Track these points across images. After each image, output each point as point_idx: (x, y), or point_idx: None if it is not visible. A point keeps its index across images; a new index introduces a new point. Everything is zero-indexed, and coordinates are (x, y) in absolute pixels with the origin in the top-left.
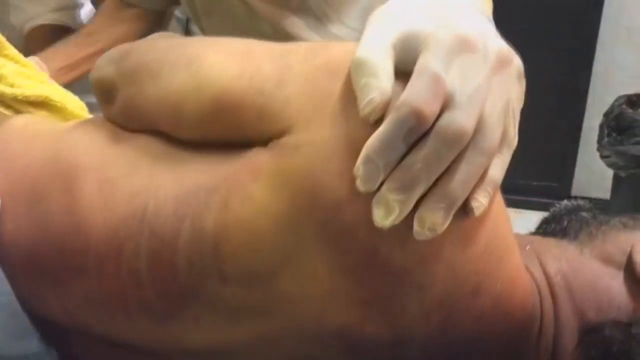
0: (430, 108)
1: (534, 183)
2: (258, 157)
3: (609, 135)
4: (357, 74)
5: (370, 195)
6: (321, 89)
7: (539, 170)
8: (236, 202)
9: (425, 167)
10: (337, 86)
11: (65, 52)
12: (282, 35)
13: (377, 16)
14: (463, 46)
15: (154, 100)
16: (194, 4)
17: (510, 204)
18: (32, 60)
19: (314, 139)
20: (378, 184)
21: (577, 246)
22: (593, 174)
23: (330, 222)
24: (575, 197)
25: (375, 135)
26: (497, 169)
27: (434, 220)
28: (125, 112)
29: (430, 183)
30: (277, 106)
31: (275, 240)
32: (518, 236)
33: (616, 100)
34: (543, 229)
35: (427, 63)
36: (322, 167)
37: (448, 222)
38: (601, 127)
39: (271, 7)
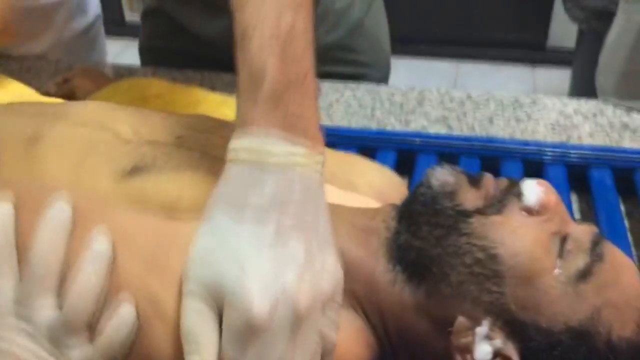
0: None
1: (511, 35)
2: None
3: None
4: (184, 344)
5: None
6: None
7: (515, 23)
8: None
9: None
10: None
11: None
12: None
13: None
14: (253, 331)
15: None
16: None
17: (489, 57)
18: None
19: None
20: None
21: (416, 302)
22: (567, 26)
23: None
24: (551, 48)
25: None
26: None
27: None
28: None
29: None
30: None
31: None
32: (373, 291)
33: None
34: (396, 243)
35: (225, 354)
36: None
37: None
38: None
39: None
